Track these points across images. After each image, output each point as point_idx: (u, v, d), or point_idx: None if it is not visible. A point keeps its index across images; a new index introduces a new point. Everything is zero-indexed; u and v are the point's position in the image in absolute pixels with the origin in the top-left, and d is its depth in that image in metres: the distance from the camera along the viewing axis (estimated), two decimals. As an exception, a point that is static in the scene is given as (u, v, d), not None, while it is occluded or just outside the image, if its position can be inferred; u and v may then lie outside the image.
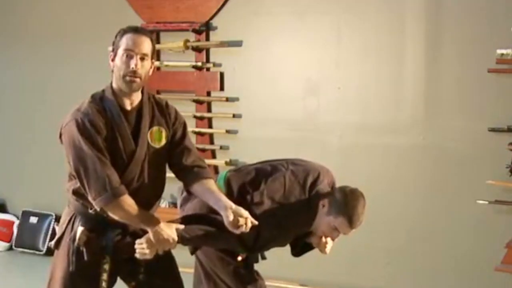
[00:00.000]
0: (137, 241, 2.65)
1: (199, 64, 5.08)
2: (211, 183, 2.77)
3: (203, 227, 2.80)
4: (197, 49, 5.11)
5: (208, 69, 5.15)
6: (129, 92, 2.65)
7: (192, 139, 2.97)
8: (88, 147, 2.55)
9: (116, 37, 2.66)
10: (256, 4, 4.96)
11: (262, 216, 2.78)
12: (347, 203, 2.83)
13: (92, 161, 2.55)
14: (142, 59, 2.61)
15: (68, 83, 5.62)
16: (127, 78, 2.60)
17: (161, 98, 2.85)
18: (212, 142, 5.12)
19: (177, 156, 2.79)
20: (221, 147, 5.07)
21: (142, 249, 2.64)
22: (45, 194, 5.78)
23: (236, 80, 5.06)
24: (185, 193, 3.01)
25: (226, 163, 4.91)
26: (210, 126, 5.16)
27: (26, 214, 5.88)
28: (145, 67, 2.63)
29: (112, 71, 2.67)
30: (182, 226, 2.73)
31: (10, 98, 6.02)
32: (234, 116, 5.05)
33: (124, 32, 2.64)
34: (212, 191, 2.73)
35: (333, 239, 2.98)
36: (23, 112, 5.95)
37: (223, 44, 5.03)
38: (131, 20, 5.18)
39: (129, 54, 2.59)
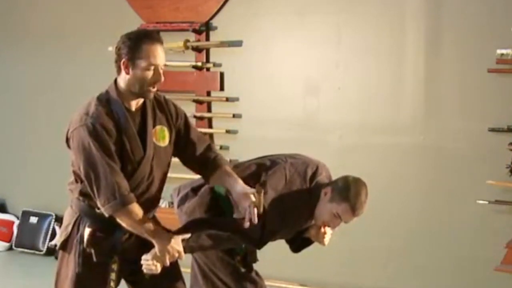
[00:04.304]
0: (143, 257, 2.65)
1: (199, 64, 5.08)
2: (224, 171, 2.80)
3: (208, 232, 2.79)
4: (197, 49, 5.11)
5: (208, 69, 5.15)
6: (145, 98, 2.66)
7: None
8: (98, 153, 2.53)
9: (126, 41, 2.59)
10: (256, 4, 4.96)
11: (267, 206, 2.78)
12: (351, 190, 2.85)
13: (102, 167, 2.53)
14: (161, 68, 2.63)
15: (69, 83, 5.63)
16: (151, 89, 2.61)
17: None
18: (212, 142, 5.12)
19: (187, 151, 2.82)
20: (221, 147, 5.06)
21: (148, 265, 2.63)
22: (45, 194, 5.79)
23: (236, 80, 5.06)
24: (181, 194, 3.03)
25: (226, 163, 4.91)
26: (210, 126, 5.16)
27: (26, 214, 5.88)
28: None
29: (119, 73, 2.63)
30: (187, 235, 2.73)
31: (10, 98, 6.02)
32: (234, 116, 5.05)
33: (139, 39, 2.59)
34: (225, 179, 2.78)
35: (333, 228, 2.98)
36: (23, 112, 5.95)
37: (223, 44, 5.03)
38: (131, 20, 5.20)
39: (155, 68, 2.59)
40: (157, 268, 2.64)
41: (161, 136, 2.73)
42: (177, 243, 2.66)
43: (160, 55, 2.61)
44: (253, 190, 2.65)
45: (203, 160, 2.82)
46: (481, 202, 4.29)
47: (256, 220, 2.60)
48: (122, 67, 2.61)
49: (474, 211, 4.37)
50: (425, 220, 4.58)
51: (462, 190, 4.43)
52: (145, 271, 2.66)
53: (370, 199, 2.93)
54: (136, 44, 2.58)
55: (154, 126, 2.71)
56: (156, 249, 2.63)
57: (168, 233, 2.68)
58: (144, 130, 2.67)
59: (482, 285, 4.40)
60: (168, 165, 2.82)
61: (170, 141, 2.76)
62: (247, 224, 2.60)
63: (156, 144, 2.70)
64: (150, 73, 2.59)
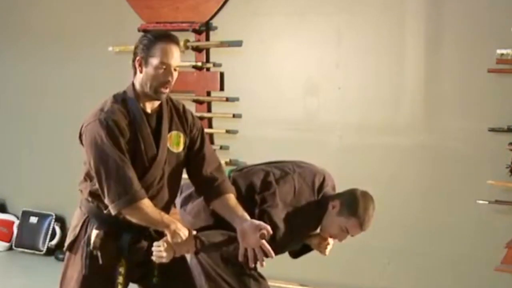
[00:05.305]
0: (155, 243, 2.62)
1: (199, 64, 5.08)
2: (229, 199, 2.75)
3: (220, 231, 2.78)
4: (197, 49, 5.11)
5: (208, 69, 5.15)
6: (158, 100, 2.64)
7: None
8: (110, 148, 2.51)
9: (145, 41, 2.60)
10: (256, 4, 4.96)
11: (277, 220, 2.79)
12: (359, 205, 2.85)
13: (114, 162, 2.51)
14: (174, 70, 2.61)
15: (69, 83, 5.63)
16: (162, 89, 2.59)
17: (179, 101, 2.81)
18: (212, 142, 5.11)
19: (196, 166, 2.77)
20: (221, 147, 5.07)
21: (159, 251, 2.61)
22: (45, 194, 5.79)
23: (236, 80, 5.06)
24: (184, 193, 3.00)
25: (226, 163, 4.91)
26: (210, 126, 5.16)
27: (26, 214, 5.88)
28: (175, 77, 2.63)
29: (135, 73, 2.63)
30: (194, 232, 2.71)
31: (10, 98, 6.02)
32: (234, 116, 5.05)
33: (156, 39, 2.59)
34: (229, 209, 2.73)
35: (340, 241, 2.98)
36: (23, 112, 5.95)
37: (223, 44, 5.03)
38: (131, 20, 5.21)
39: (167, 67, 2.58)
40: (168, 256, 2.62)
41: (176, 141, 2.71)
42: (190, 235, 2.64)
43: (173, 55, 2.58)
44: (252, 226, 2.62)
45: (208, 181, 2.77)
46: (481, 202, 4.28)
47: (263, 265, 2.63)
48: (136, 65, 2.61)
49: (474, 211, 4.37)
50: (425, 220, 4.58)
51: (462, 190, 4.43)
52: (154, 258, 2.63)
53: (374, 199, 2.94)
54: (151, 42, 2.58)
55: (170, 131, 2.69)
56: (168, 237, 2.61)
57: (180, 224, 2.65)
58: (159, 133, 2.65)
59: (482, 285, 4.40)
60: (180, 173, 2.78)
61: (184, 148, 2.74)
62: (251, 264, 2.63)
63: (169, 149, 2.68)
64: (161, 72, 2.58)
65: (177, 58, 2.61)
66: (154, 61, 2.57)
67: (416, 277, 4.61)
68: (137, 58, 2.61)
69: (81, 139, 2.64)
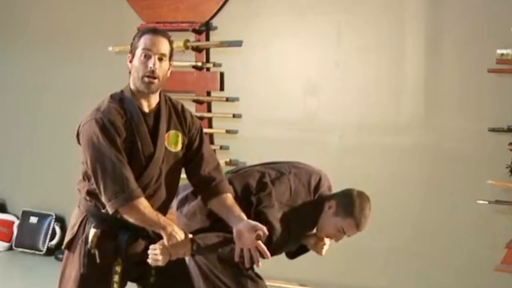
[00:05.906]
0: (151, 246, 2.62)
1: (199, 64, 5.09)
2: (226, 199, 2.74)
3: (216, 233, 2.78)
4: (197, 49, 5.11)
5: (208, 69, 5.15)
6: (147, 93, 2.62)
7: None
8: (107, 147, 2.51)
9: (134, 38, 2.64)
10: (256, 4, 4.96)
11: (273, 220, 2.79)
12: (356, 205, 2.85)
13: (110, 161, 2.51)
14: (160, 59, 2.58)
15: (68, 83, 5.63)
16: (145, 79, 2.57)
17: (177, 101, 2.81)
18: (212, 142, 5.11)
19: (194, 165, 2.77)
20: (221, 147, 5.07)
21: (155, 255, 2.60)
22: (45, 194, 5.79)
23: (236, 80, 5.06)
24: (181, 195, 2.98)
25: (226, 163, 4.91)
26: (210, 126, 5.16)
27: (26, 214, 5.88)
28: (163, 68, 2.61)
29: (130, 72, 2.64)
30: (190, 235, 2.71)
31: (10, 98, 6.02)
32: (234, 116, 5.05)
33: (142, 33, 2.62)
34: (226, 209, 2.72)
35: (337, 241, 2.99)
36: (23, 112, 5.96)
37: (223, 44, 5.03)
38: (131, 20, 5.20)
39: (147, 54, 2.57)
40: (164, 259, 2.62)
41: (174, 141, 2.70)
42: (185, 236, 2.64)
43: (155, 43, 2.58)
44: (248, 227, 2.61)
45: (207, 180, 2.76)
46: (481, 202, 4.28)
47: (259, 265, 2.63)
48: (128, 63, 2.63)
49: (474, 211, 4.37)
50: (425, 220, 4.58)
51: (462, 190, 4.43)
52: (150, 261, 2.63)
53: (370, 199, 2.93)
54: (139, 37, 2.61)
55: (168, 130, 2.69)
56: (164, 240, 2.60)
57: (177, 226, 2.65)
58: (156, 132, 2.65)
59: (482, 285, 4.40)
60: (179, 173, 2.77)
61: (182, 147, 2.73)
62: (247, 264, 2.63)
63: (167, 148, 2.68)
64: (143, 59, 2.58)
65: (161, 46, 2.59)
66: (138, 51, 2.59)
67: (416, 277, 4.62)
68: (128, 55, 2.64)
69: (78, 139, 2.64)
